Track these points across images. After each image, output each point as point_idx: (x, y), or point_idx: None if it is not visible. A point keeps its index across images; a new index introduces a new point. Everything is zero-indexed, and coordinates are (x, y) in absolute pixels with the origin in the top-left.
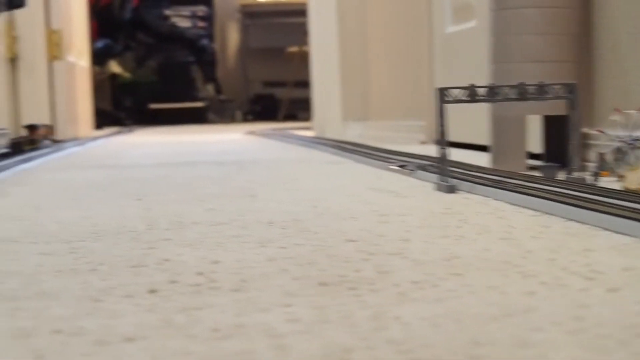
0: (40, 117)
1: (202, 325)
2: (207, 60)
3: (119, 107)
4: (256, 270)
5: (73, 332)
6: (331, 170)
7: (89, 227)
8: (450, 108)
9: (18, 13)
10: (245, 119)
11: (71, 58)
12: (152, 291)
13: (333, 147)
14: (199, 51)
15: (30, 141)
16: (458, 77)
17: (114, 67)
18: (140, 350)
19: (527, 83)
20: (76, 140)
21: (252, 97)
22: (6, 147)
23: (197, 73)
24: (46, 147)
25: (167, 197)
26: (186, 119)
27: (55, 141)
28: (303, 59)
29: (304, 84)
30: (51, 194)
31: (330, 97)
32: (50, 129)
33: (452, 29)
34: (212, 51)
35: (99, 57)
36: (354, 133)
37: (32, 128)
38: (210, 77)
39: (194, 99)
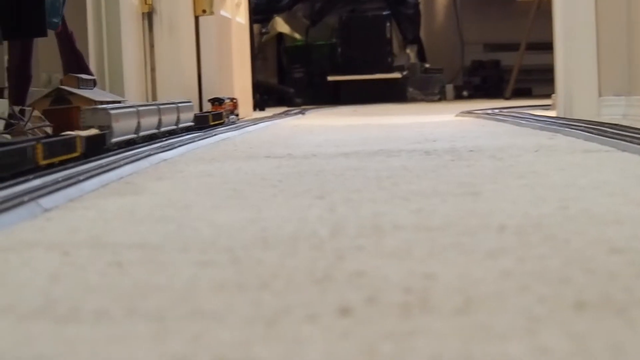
0: (180, 87)
1: (417, 355)
2: (407, 15)
3: (287, 81)
4: (486, 288)
5: None
6: (584, 161)
7: (256, 232)
8: None
9: None
10: (458, 96)
11: (224, 12)
12: (345, 312)
13: (585, 130)
14: (395, 2)
15: (215, 116)
16: None
17: (281, 25)
18: None
19: None
20: (229, 122)
21: (469, 66)
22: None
23: (393, 33)
24: (232, 123)
25: (357, 194)
26: (377, 96)
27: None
28: (542, 11)
29: (543, 46)
30: (203, 190)
31: (580, 65)
32: (235, 103)
33: None
34: (414, 2)
35: (261, 13)
36: (614, 112)
37: (216, 101)
38: (412, 39)
39: (389, 68)
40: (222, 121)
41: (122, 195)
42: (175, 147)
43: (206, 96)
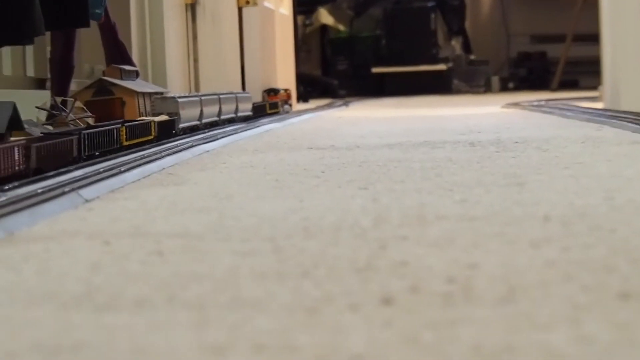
0: (223, 78)
1: (459, 344)
2: (452, 6)
3: (330, 72)
4: (529, 277)
5: (282, 350)
6: (631, 152)
7: (298, 222)
8: None
9: None
10: (504, 87)
11: (268, 4)
12: (387, 301)
13: (632, 122)
14: None
15: (271, 105)
16: None
17: (325, 17)
18: None
19: None
20: (272, 114)
21: (515, 58)
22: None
23: (437, 24)
24: (286, 112)
25: (400, 185)
26: (422, 88)
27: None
28: (589, 2)
29: (589, 37)
30: (245, 180)
31: (627, 56)
32: (289, 93)
33: None
34: None
35: (304, 4)
36: None
37: (272, 92)
38: (457, 30)
39: (433, 60)
40: (277, 110)
41: (163, 186)
42: (218, 139)
43: (249, 88)
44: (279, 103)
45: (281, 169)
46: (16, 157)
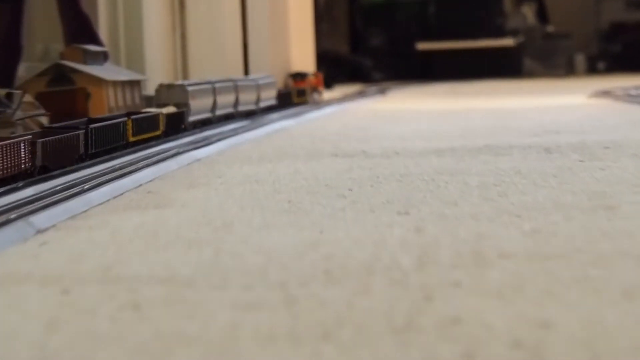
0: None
1: None
2: None
3: (362, 49)
4: (621, 341)
5: None
6: None
7: (318, 261)
8: None
9: None
10: (591, 69)
11: None
12: None
13: None
14: None
15: (298, 92)
16: None
17: None
18: None
19: None
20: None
21: (606, 29)
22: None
23: None
24: (314, 102)
25: (452, 209)
26: (483, 70)
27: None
28: None
29: None
30: (249, 201)
31: None
32: (319, 78)
33: None
34: None
35: None
36: None
37: (298, 77)
38: None
39: (498, 33)
40: (305, 99)
41: (141, 209)
42: (212, 142)
43: (253, 71)
44: (307, 90)
45: (295, 186)
46: (22, 154)
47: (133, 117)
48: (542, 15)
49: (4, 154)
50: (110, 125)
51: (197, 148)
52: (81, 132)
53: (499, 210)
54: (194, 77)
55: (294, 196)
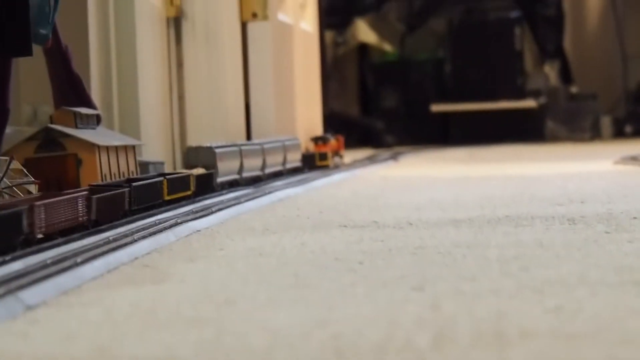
0: (221, 122)
1: None
2: (545, 18)
3: (373, 110)
4: None
5: None
6: None
7: (326, 342)
8: None
9: None
10: (618, 133)
11: (284, 17)
12: None
13: None
14: (530, 0)
15: (320, 156)
16: None
17: (364, 32)
18: None
19: None
20: (289, 174)
21: (634, 91)
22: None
23: (525, 42)
24: (335, 167)
25: (470, 284)
26: (503, 134)
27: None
28: None
29: None
30: (253, 276)
31: None
32: (340, 142)
33: None
34: (555, 1)
35: (336, 15)
36: None
37: (320, 140)
38: (552, 51)
39: (519, 93)
40: (327, 162)
41: (137, 284)
42: (212, 212)
43: (257, 135)
44: (329, 154)
45: (302, 259)
46: (79, 209)
47: (167, 177)
48: (566, 75)
49: (65, 208)
50: (149, 184)
51: (197, 218)
52: (126, 190)
53: (520, 285)
54: (192, 141)
55: (300, 270)
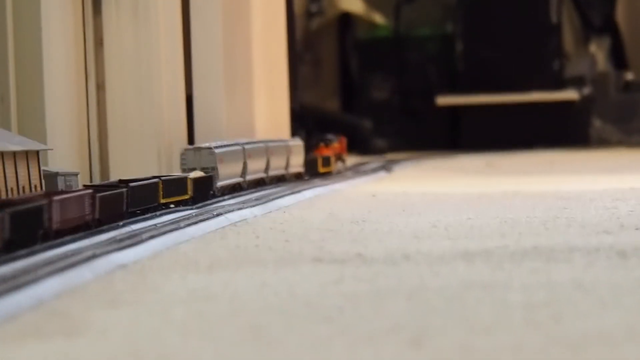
0: (152, 119)
1: None
2: None
3: (358, 104)
4: None
5: None
6: None
7: None
8: None
9: None
10: None
11: None
12: None
13: None
14: None
15: (323, 161)
16: None
17: (348, 1)
18: None
19: None
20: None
21: None
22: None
23: (564, 14)
24: (338, 172)
25: (484, 340)
26: (532, 136)
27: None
28: None
29: None
30: (196, 327)
31: None
32: (343, 144)
33: None
34: None
35: None
36: None
37: (322, 142)
38: (600, 27)
39: (555, 82)
40: (330, 168)
41: (43, 337)
42: (142, 241)
43: (200, 137)
44: (331, 158)
45: (262, 305)
46: (86, 207)
47: (163, 178)
48: (618, 58)
49: (72, 206)
50: (145, 185)
51: (121, 249)
52: (124, 190)
53: (549, 341)
54: (114, 146)
55: (259, 319)
